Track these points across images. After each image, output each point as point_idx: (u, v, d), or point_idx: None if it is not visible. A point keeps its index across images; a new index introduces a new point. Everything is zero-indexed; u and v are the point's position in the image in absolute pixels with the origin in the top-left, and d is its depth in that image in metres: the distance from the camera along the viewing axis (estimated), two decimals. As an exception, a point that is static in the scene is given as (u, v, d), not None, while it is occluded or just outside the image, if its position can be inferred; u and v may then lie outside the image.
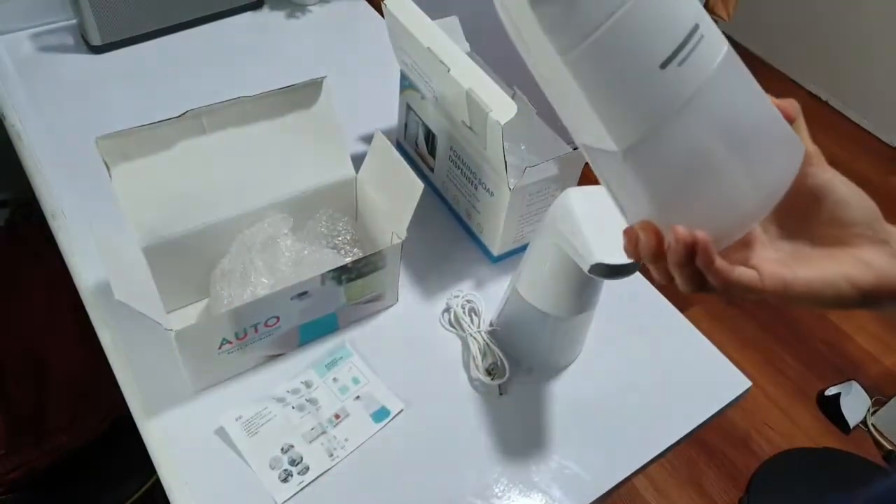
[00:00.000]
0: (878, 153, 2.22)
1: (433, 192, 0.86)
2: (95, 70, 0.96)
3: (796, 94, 2.39)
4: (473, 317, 0.74)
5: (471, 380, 0.70)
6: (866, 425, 1.55)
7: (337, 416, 0.66)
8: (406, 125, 0.87)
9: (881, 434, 1.53)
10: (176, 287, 0.68)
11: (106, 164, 0.61)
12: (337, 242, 0.71)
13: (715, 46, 0.32)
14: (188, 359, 0.62)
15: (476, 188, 0.76)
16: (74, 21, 0.98)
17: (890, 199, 2.07)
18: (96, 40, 0.96)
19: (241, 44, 1.03)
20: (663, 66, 0.31)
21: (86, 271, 0.73)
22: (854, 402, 1.54)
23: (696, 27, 0.31)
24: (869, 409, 1.56)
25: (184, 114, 0.63)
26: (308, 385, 0.67)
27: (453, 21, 0.82)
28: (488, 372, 0.69)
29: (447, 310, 0.75)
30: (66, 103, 0.91)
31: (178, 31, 1.02)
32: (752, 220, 0.35)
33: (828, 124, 2.28)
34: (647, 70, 0.31)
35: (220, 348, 0.63)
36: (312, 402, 0.66)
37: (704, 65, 0.31)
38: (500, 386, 0.69)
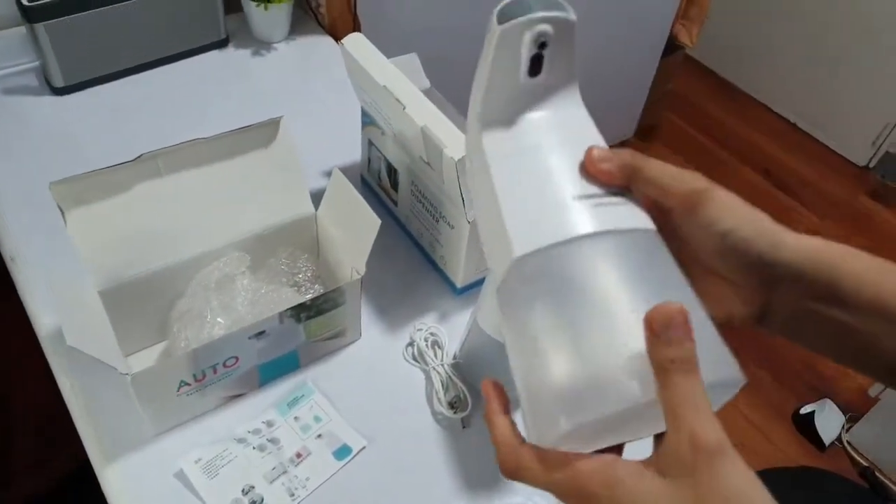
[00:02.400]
0: (847, 173, 2.26)
1: (397, 225, 0.86)
2: (59, 112, 0.96)
3: (764, 116, 2.44)
4: (437, 350, 0.74)
5: (434, 414, 0.70)
6: (841, 442, 1.56)
7: (298, 455, 0.65)
8: (369, 160, 0.87)
9: (856, 451, 1.54)
10: (134, 330, 0.68)
11: (60, 209, 0.61)
12: (298, 280, 0.71)
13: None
14: (146, 402, 0.62)
15: (437, 221, 0.77)
16: (37, 63, 0.99)
17: (861, 218, 2.11)
18: (59, 82, 0.96)
19: (208, 82, 1.04)
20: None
21: (44, 315, 0.72)
22: (829, 420, 1.55)
23: None
24: (843, 427, 1.57)
25: (139, 157, 0.64)
26: (269, 424, 0.67)
27: (412, 58, 0.84)
28: (451, 405, 0.70)
29: (411, 343, 0.75)
30: (29, 146, 0.91)
31: (143, 70, 1.02)
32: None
33: (797, 146, 2.32)
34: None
35: (178, 391, 0.63)
36: (273, 441, 0.66)
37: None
38: (462, 419, 0.69)
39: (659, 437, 0.31)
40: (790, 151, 2.29)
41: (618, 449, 0.33)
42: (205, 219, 0.68)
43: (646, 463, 0.30)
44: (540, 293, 0.32)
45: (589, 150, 0.35)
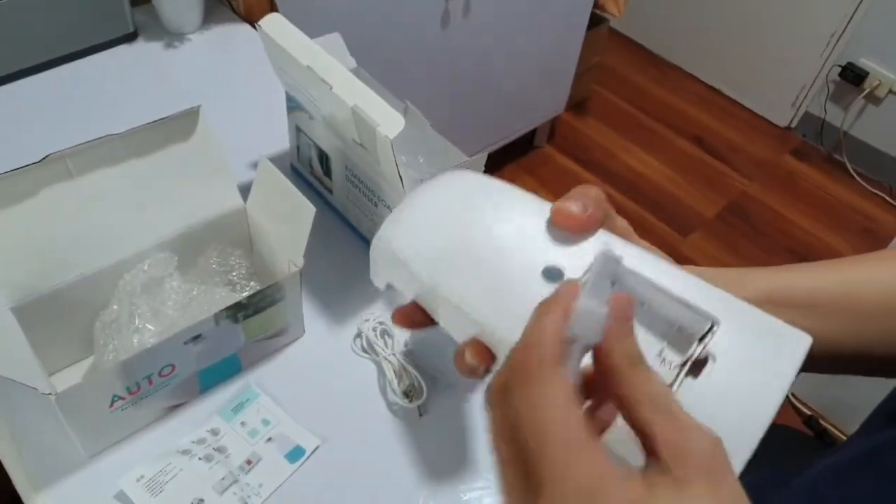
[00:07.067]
0: (771, 135, 2.33)
1: (335, 214, 0.83)
2: (-46, 119, 0.88)
3: (691, 85, 2.48)
4: (387, 339, 0.71)
5: (389, 404, 0.67)
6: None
7: (248, 462, 0.62)
8: (298, 147, 0.84)
9: (799, 401, 1.59)
10: (56, 347, 0.63)
11: (-42, 220, 0.55)
12: (231, 278, 0.67)
13: None
14: (75, 422, 0.57)
15: (376, 206, 0.74)
16: (-74, 69, 0.90)
17: (786, 177, 2.18)
18: (-51, 87, 0.89)
19: (116, 79, 0.98)
20: None
21: (-46, 339, 0.66)
22: (774, 375, 1.60)
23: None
24: (788, 379, 1.62)
25: (45, 158, 0.58)
26: (214, 433, 0.63)
27: (335, 38, 0.80)
28: (406, 394, 0.67)
29: (359, 335, 0.72)
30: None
31: (41, 71, 0.95)
32: None
33: (724, 112, 2.38)
34: None
35: (111, 406, 0.58)
36: (220, 450, 0.62)
37: None
38: (419, 407, 0.67)
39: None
40: (718, 118, 2.34)
41: None
42: (124, 221, 0.63)
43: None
44: None
45: (557, 207, 0.33)
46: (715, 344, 0.30)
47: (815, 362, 0.39)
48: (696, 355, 0.30)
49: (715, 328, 0.30)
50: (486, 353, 0.32)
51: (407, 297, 0.36)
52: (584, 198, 0.33)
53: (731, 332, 0.30)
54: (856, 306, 0.39)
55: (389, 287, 0.37)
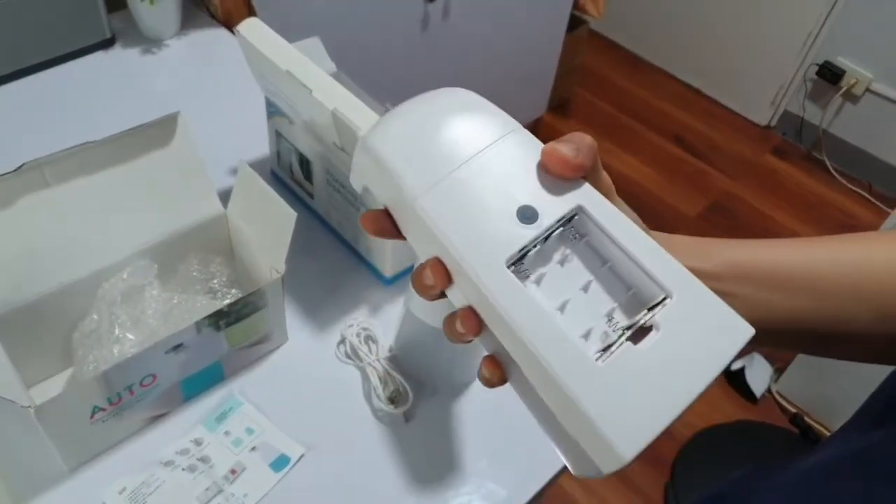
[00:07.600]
0: (751, 134, 2.35)
1: (316, 219, 0.82)
2: (-73, 129, 0.87)
3: (671, 85, 2.50)
4: (371, 345, 0.71)
5: (374, 411, 0.67)
6: (771, 393, 1.62)
7: (233, 472, 0.61)
8: (278, 153, 0.83)
9: (785, 399, 1.60)
10: (34, 359, 0.62)
11: (-69, 232, 0.54)
12: (213, 285, 0.67)
13: None
14: (55, 435, 0.56)
15: (358, 210, 0.74)
16: None
17: (766, 176, 2.20)
18: (-77, 96, 0.87)
19: (94, 86, 0.97)
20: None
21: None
22: (758, 373, 1.61)
23: None
24: (772, 377, 1.63)
25: (21, 167, 0.57)
26: (198, 443, 0.62)
27: (315, 42, 0.80)
28: (391, 400, 0.67)
29: (342, 341, 0.71)
30: None
31: (19, 78, 0.94)
32: None
33: (704, 111, 2.39)
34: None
35: (92, 418, 0.57)
36: (204, 460, 0.61)
37: None
38: (404, 413, 0.66)
39: None
40: (698, 117, 2.36)
41: None
42: (102, 229, 0.62)
43: None
44: None
45: (550, 147, 0.33)
46: (663, 316, 0.31)
47: (774, 336, 0.38)
48: (641, 322, 0.31)
49: (667, 301, 0.31)
50: (443, 275, 0.33)
51: (380, 203, 0.36)
52: (578, 143, 0.33)
53: (681, 307, 0.31)
54: (817, 284, 0.38)
55: (366, 190, 0.37)
